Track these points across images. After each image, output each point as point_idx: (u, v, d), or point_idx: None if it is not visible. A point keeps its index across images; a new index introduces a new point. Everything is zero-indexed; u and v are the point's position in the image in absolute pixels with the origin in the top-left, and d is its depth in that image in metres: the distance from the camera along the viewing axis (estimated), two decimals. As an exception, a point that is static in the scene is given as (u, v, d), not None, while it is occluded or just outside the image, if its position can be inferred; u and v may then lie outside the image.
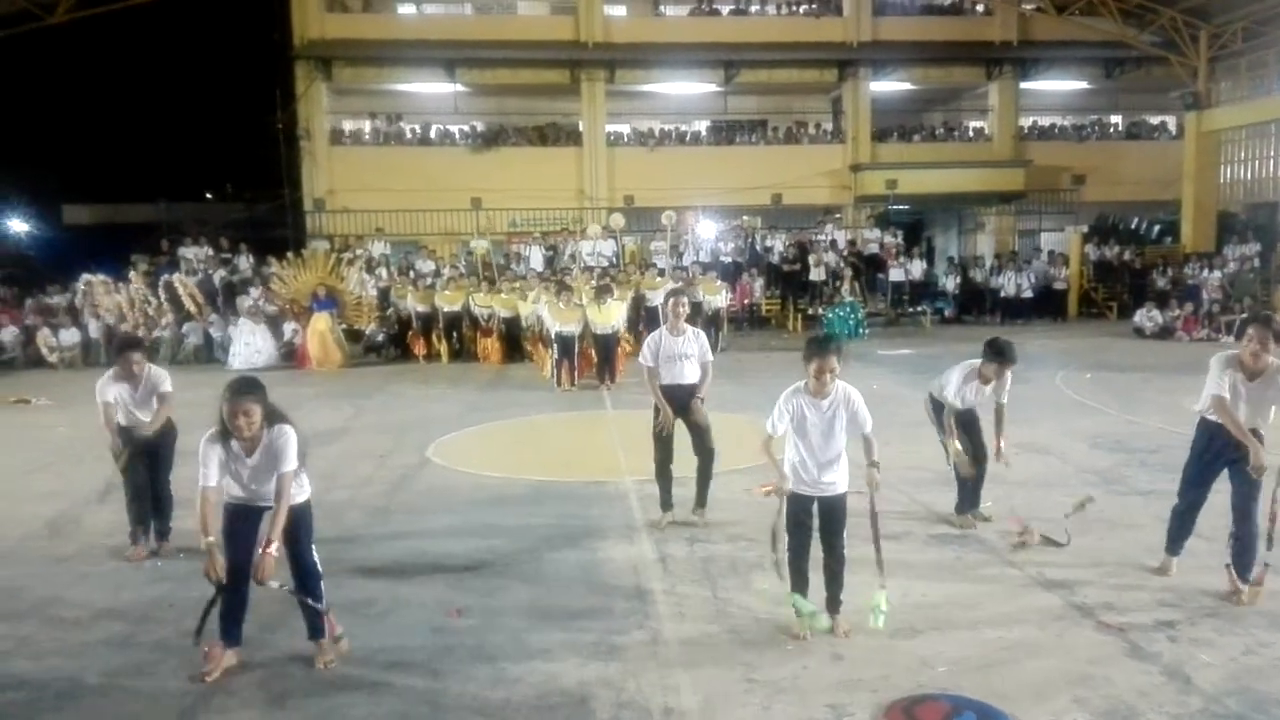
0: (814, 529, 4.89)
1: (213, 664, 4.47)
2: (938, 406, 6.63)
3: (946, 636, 4.75)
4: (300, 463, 4.58)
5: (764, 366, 14.86)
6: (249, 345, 16.54)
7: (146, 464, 6.33)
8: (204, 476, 4.48)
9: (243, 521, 4.60)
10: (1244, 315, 16.64)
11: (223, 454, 4.49)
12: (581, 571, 5.85)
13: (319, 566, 4.70)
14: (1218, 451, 5.27)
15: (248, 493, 4.58)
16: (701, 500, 6.75)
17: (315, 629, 4.64)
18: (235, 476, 4.55)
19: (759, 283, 21.42)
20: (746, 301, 21.26)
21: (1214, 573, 5.38)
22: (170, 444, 6.43)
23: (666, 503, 6.78)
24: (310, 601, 4.61)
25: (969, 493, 6.68)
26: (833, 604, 4.89)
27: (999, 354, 6.32)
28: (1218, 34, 22.60)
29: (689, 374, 6.72)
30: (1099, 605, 5.08)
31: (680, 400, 6.71)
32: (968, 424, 6.62)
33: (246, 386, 4.49)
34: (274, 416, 4.54)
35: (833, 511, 4.86)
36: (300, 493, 4.63)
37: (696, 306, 16.88)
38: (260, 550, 4.45)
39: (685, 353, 6.68)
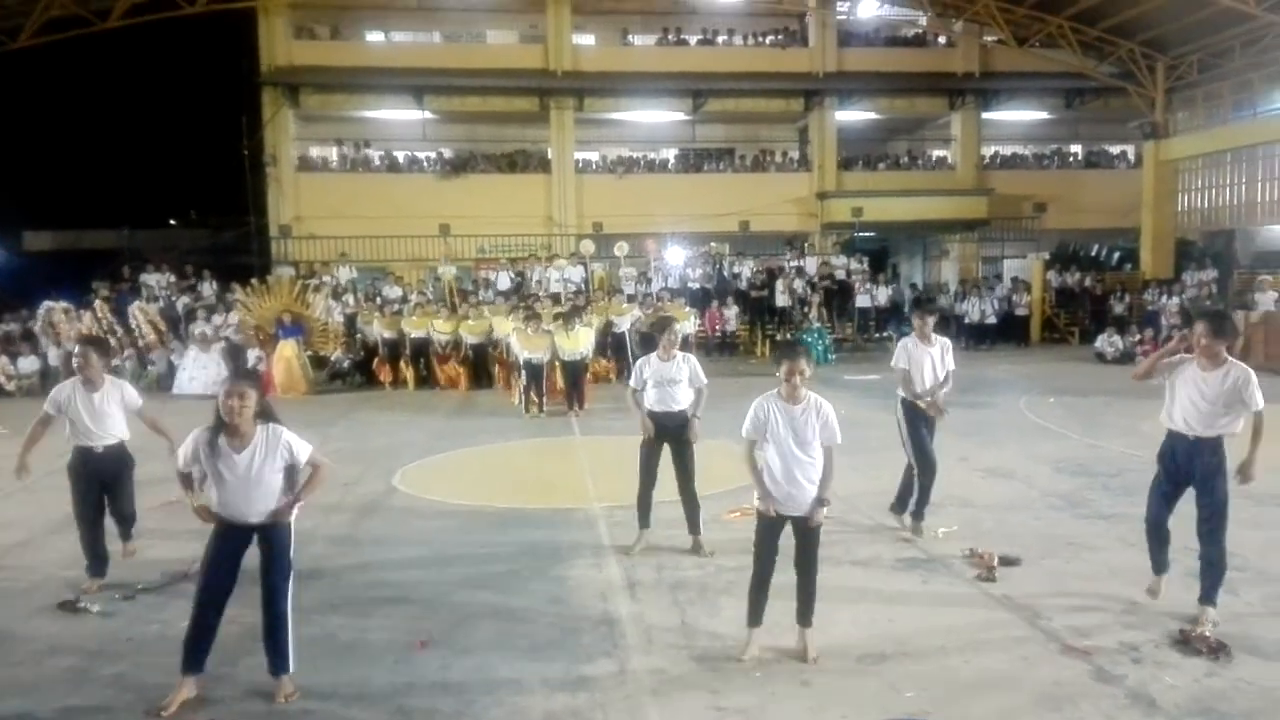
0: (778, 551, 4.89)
1: (170, 697, 4.38)
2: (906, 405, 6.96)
3: (914, 662, 4.76)
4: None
5: (734, 391, 14.86)
6: (205, 370, 16.27)
7: (99, 495, 6.19)
8: (181, 458, 4.51)
9: (226, 542, 4.51)
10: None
11: (206, 449, 4.42)
12: (549, 600, 5.80)
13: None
14: (1180, 464, 5.26)
15: (232, 507, 4.45)
16: (694, 526, 6.71)
17: (278, 665, 4.55)
18: (219, 481, 4.43)
19: (732, 311, 21.49)
20: (718, 329, 21.30)
21: (1176, 595, 5.43)
22: (127, 472, 6.29)
23: (644, 520, 6.74)
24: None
25: (920, 495, 6.90)
26: (803, 616, 4.88)
27: (916, 303, 7.03)
28: (1174, 65, 23.15)
29: (680, 399, 6.70)
30: (1064, 629, 5.11)
31: (669, 426, 6.68)
32: (924, 430, 6.85)
33: (245, 375, 4.56)
34: (268, 415, 4.53)
35: (806, 532, 4.84)
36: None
37: (663, 330, 16.93)
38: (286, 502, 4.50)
39: (675, 378, 6.67)
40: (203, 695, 4.47)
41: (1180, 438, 5.22)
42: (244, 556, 4.58)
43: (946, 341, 7.20)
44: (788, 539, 4.90)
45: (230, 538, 4.52)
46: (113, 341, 17.61)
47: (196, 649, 4.47)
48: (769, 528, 4.86)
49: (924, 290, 23.64)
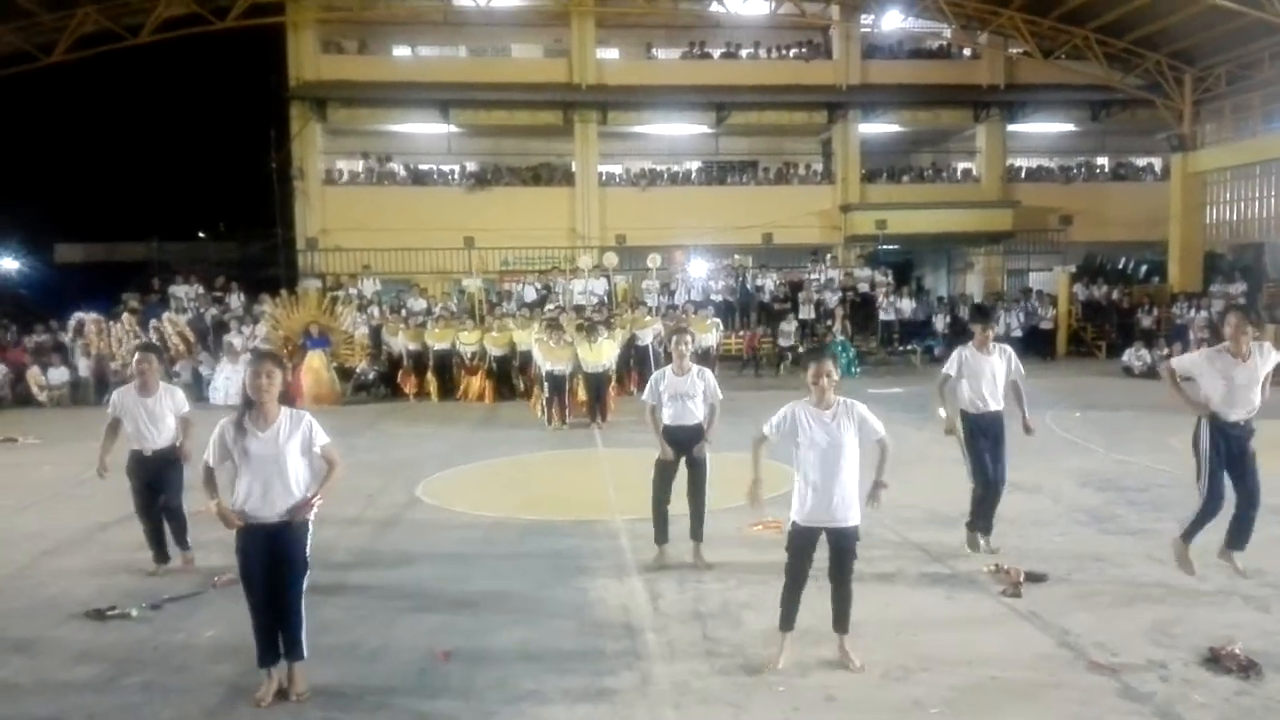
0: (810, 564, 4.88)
1: (262, 689, 4.53)
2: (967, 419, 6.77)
3: (939, 677, 4.72)
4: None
5: (756, 405, 14.85)
6: (229, 380, 16.43)
7: (150, 495, 6.55)
8: (209, 455, 4.57)
9: (251, 544, 4.52)
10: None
11: (232, 433, 4.49)
12: (572, 611, 5.80)
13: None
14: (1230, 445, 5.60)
15: (254, 496, 4.47)
16: (697, 533, 6.67)
17: (293, 652, 4.60)
18: (244, 461, 4.46)
19: (759, 327, 21.54)
20: (754, 348, 21.20)
21: (1205, 611, 5.37)
22: (176, 470, 6.59)
23: (662, 536, 6.72)
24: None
25: (981, 512, 6.73)
26: (840, 623, 4.86)
27: (979, 312, 6.97)
28: (1202, 77, 22.97)
29: (694, 413, 6.65)
30: (1091, 645, 5.05)
31: (684, 440, 6.64)
32: (983, 443, 6.67)
33: (268, 353, 4.69)
34: (290, 402, 4.68)
35: (842, 544, 4.79)
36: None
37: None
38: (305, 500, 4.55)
39: (689, 392, 6.58)
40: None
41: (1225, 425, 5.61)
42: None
43: (1008, 349, 6.91)
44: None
45: (254, 540, 4.52)
46: (185, 340, 17.92)
47: (265, 646, 4.56)
48: (801, 533, 4.83)
49: (973, 301, 23.28)
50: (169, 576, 6.52)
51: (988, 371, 6.67)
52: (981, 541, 6.77)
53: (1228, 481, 5.73)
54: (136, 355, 6.66)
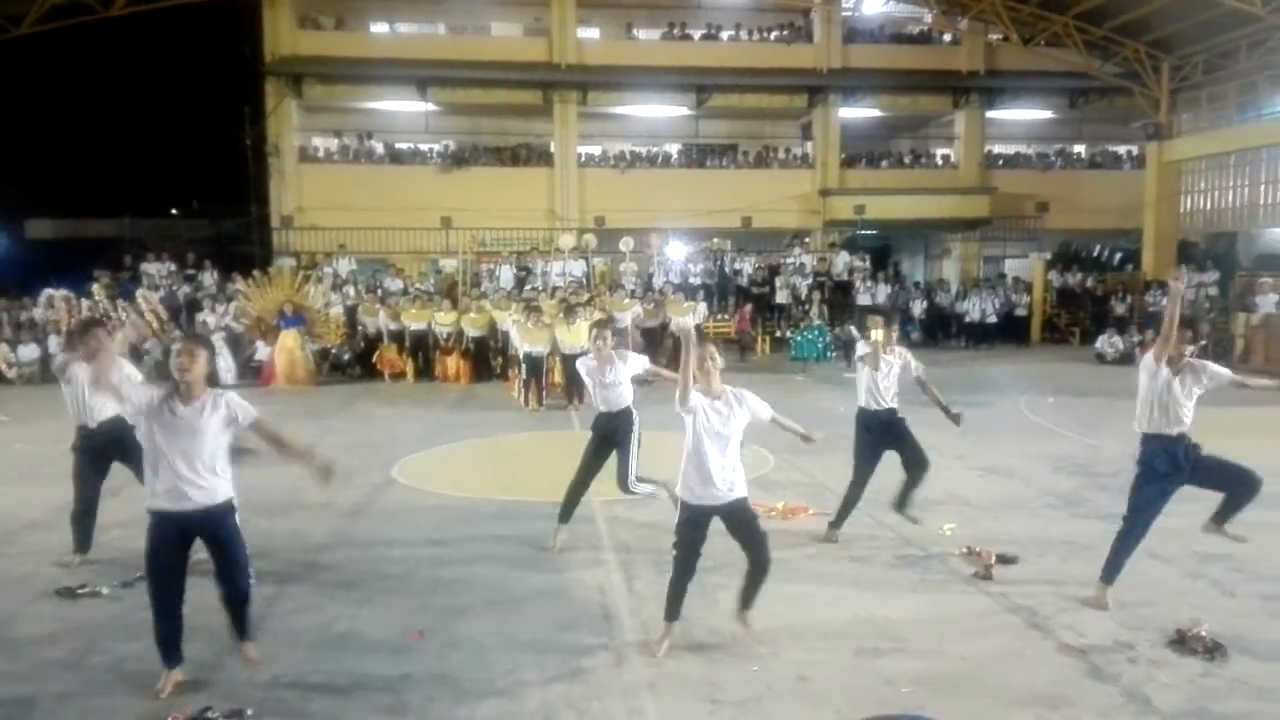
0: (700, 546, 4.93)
1: (161, 682, 4.44)
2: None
3: (910, 657, 4.77)
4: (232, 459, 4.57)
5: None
6: None
7: (100, 470, 6.34)
8: (133, 393, 4.51)
9: (166, 530, 4.44)
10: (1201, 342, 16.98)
11: (156, 404, 4.42)
12: (547, 593, 5.81)
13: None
14: (1176, 465, 5.33)
15: (170, 474, 4.37)
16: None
17: (245, 632, 4.61)
18: (165, 434, 4.37)
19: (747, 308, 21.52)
20: (743, 330, 21.18)
21: (1172, 594, 5.45)
22: (130, 438, 6.33)
23: (565, 518, 6.79)
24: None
25: (904, 492, 6.83)
26: (747, 598, 4.90)
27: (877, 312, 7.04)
28: (1179, 66, 23.11)
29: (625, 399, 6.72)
30: (1060, 626, 5.12)
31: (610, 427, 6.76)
32: (898, 435, 6.71)
33: (197, 336, 4.70)
34: (216, 382, 4.58)
35: (739, 514, 4.82)
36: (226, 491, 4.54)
37: (664, 327, 16.99)
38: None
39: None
40: (192, 679, 4.50)
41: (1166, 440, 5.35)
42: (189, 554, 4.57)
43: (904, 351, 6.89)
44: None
45: (167, 531, 4.43)
46: (107, 328, 17.62)
47: (170, 645, 4.50)
48: (689, 511, 4.86)
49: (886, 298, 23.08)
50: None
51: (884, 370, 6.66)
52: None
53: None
54: (90, 330, 6.39)
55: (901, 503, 6.81)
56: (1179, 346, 5.26)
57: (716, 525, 4.88)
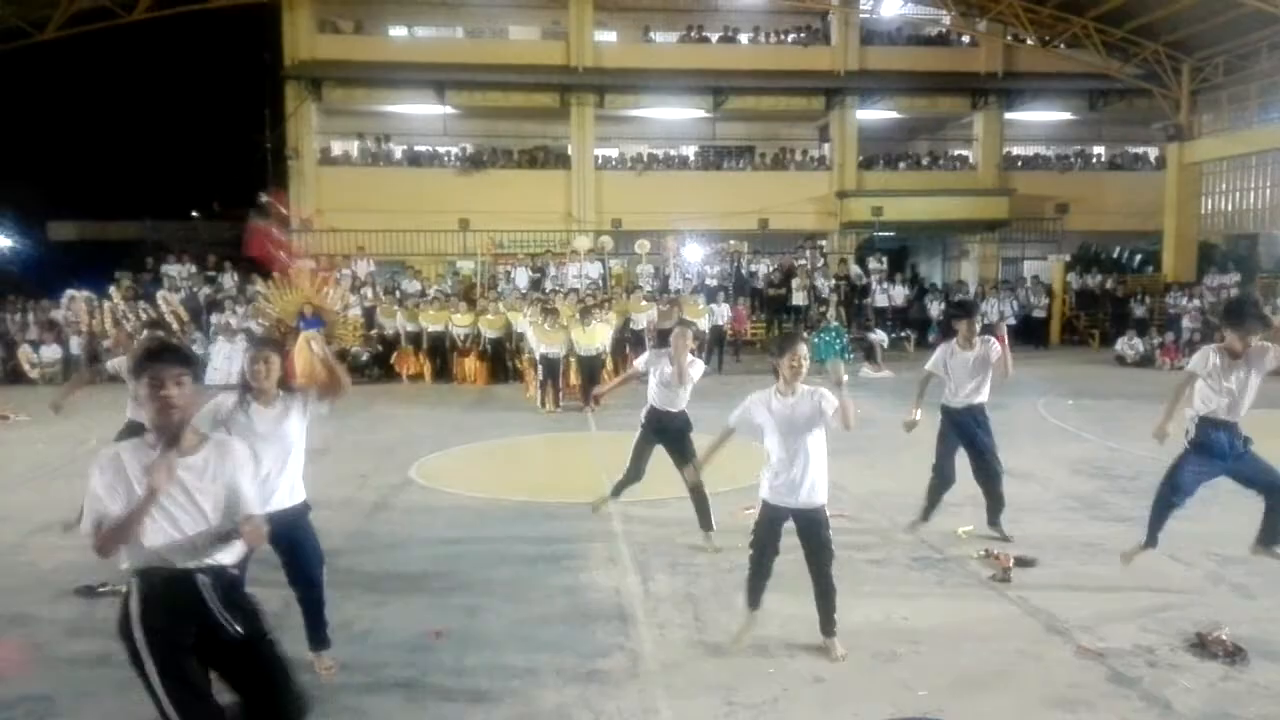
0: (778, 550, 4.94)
1: None
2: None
3: (927, 660, 4.75)
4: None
5: (750, 388, 14.87)
6: (229, 360, 16.40)
7: None
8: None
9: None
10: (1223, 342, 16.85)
11: (229, 412, 4.47)
12: (563, 593, 5.82)
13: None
14: (1216, 447, 5.45)
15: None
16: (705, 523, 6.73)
17: (319, 637, 4.68)
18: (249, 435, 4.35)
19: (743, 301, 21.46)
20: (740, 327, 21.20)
21: (1192, 598, 5.41)
22: None
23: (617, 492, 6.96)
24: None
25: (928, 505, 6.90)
26: (826, 625, 4.86)
27: (961, 308, 7.04)
28: (1199, 67, 22.93)
29: (680, 402, 6.77)
30: (1079, 630, 5.09)
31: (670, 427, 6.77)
32: (958, 443, 6.75)
33: (268, 341, 4.71)
34: (287, 386, 4.68)
35: (813, 526, 4.79)
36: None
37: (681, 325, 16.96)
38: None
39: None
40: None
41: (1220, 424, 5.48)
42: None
43: (989, 339, 6.81)
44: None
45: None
46: (128, 328, 17.80)
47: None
48: (769, 510, 4.87)
49: (958, 294, 22.98)
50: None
51: (970, 365, 6.72)
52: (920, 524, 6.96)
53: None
54: (145, 332, 6.57)
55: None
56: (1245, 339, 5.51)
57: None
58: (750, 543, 4.94)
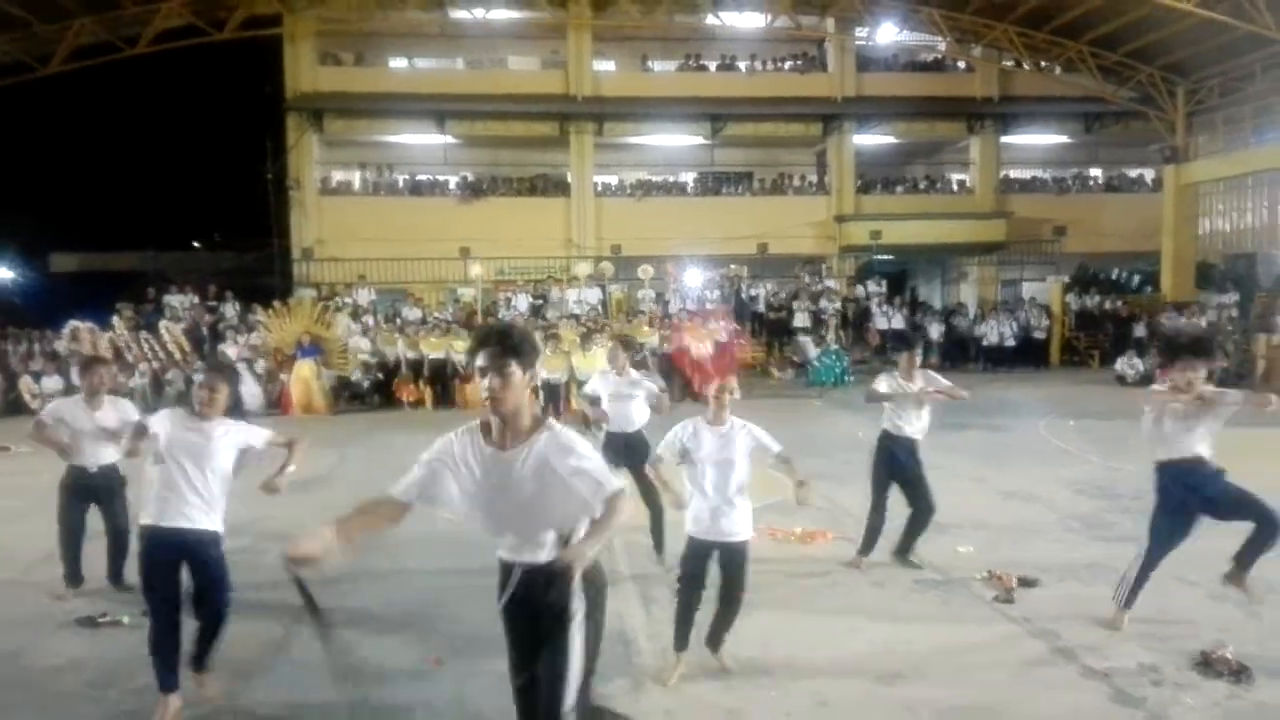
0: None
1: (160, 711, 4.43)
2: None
3: (931, 682, 4.73)
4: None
5: (745, 412, 14.86)
6: None
7: (85, 508, 6.41)
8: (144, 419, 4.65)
9: (158, 553, 4.49)
10: (1223, 364, 16.87)
11: (169, 424, 4.51)
12: (565, 618, 5.79)
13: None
14: (1183, 498, 5.27)
15: (171, 487, 4.45)
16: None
17: (202, 661, 4.63)
18: (180, 451, 4.45)
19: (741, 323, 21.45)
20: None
21: (1196, 617, 5.38)
22: (119, 491, 6.43)
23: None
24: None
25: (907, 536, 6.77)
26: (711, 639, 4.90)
27: (900, 339, 6.89)
28: (1195, 90, 23.08)
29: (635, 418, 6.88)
30: (1083, 650, 5.07)
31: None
32: (908, 479, 6.69)
33: (220, 368, 4.70)
34: (239, 413, 4.73)
35: (733, 560, 4.83)
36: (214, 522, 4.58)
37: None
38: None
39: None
40: (211, 707, 4.51)
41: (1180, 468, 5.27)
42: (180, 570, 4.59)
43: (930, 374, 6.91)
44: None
45: (159, 548, 4.48)
46: (128, 358, 17.85)
47: (165, 665, 4.49)
48: (692, 545, 4.91)
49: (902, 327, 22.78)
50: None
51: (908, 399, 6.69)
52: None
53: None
54: (93, 368, 6.40)
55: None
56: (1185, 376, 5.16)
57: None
58: (678, 578, 4.94)
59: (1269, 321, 19.31)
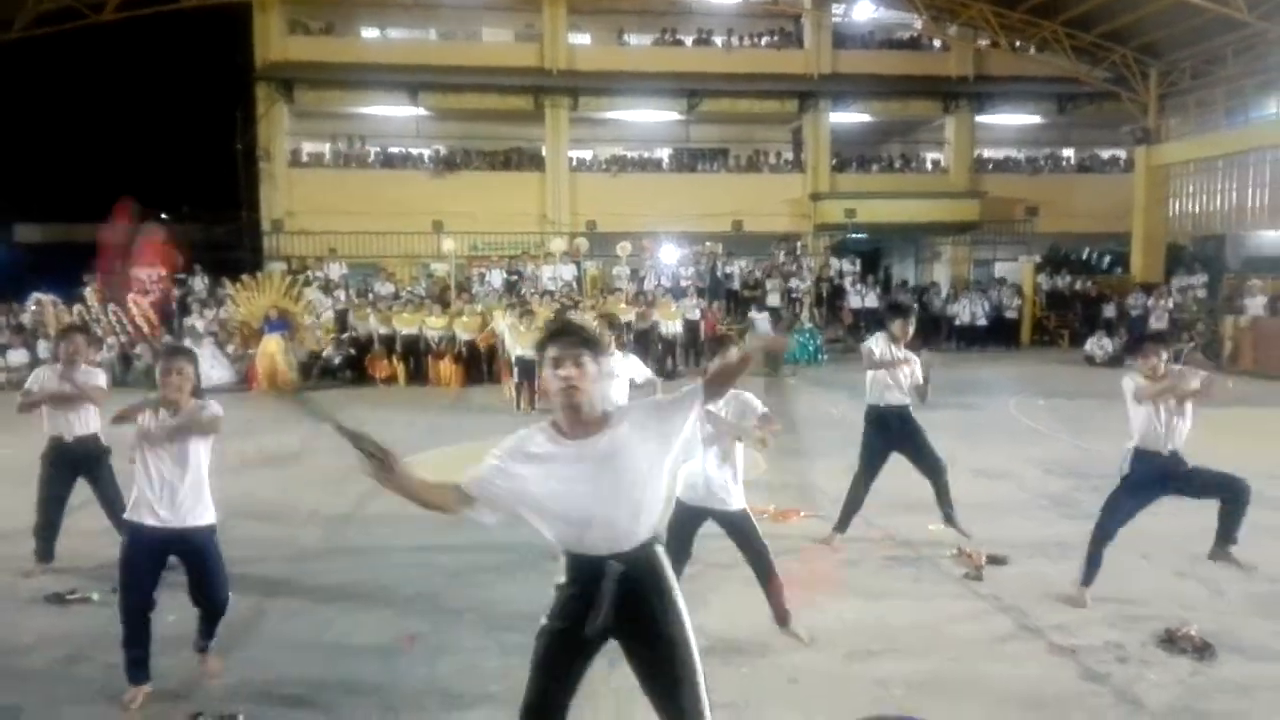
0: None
1: (131, 693, 4.39)
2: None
3: (902, 659, 4.78)
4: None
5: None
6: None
7: (67, 483, 6.30)
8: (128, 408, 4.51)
9: (141, 549, 4.41)
10: (1190, 343, 17.08)
11: (146, 413, 4.41)
12: (538, 596, 5.75)
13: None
14: (1159, 483, 5.38)
15: (151, 485, 4.37)
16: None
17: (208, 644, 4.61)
18: (146, 451, 4.38)
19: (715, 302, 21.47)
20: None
21: (1161, 594, 5.47)
22: (103, 460, 6.32)
23: None
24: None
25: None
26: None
27: (894, 308, 6.99)
28: (1167, 71, 23.24)
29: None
30: (1051, 627, 5.14)
31: None
32: (907, 446, 6.74)
33: (179, 349, 4.61)
34: (199, 392, 4.55)
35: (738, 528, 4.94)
36: (205, 514, 4.52)
37: (652, 329, 17.06)
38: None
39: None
40: (183, 685, 4.48)
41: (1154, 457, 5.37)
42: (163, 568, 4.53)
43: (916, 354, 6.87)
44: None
45: (143, 545, 4.40)
46: (97, 332, 17.58)
47: (138, 659, 4.42)
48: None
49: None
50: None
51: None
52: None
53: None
54: (70, 335, 6.30)
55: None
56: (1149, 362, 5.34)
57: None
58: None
59: (1236, 303, 19.55)
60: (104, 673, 4.70)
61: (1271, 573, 5.79)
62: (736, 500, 4.93)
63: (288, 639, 5.10)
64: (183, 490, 4.39)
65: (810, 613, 5.13)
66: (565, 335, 3.02)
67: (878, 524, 7.17)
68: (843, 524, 6.78)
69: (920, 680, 4.53)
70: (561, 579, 3.16)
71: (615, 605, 2.99)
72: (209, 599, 4.54)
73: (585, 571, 3.06)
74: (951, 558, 6.38)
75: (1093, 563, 5.50)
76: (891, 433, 6.70)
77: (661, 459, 2.98)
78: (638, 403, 3.19)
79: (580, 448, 2.96)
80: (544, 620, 3.17)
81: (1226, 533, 5.42)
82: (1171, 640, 4.86)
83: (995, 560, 6.21)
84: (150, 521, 4.36)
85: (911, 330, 6.81)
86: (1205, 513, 5.63)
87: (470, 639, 5.13)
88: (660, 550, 3.08)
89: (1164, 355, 5.41)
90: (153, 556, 4.42)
